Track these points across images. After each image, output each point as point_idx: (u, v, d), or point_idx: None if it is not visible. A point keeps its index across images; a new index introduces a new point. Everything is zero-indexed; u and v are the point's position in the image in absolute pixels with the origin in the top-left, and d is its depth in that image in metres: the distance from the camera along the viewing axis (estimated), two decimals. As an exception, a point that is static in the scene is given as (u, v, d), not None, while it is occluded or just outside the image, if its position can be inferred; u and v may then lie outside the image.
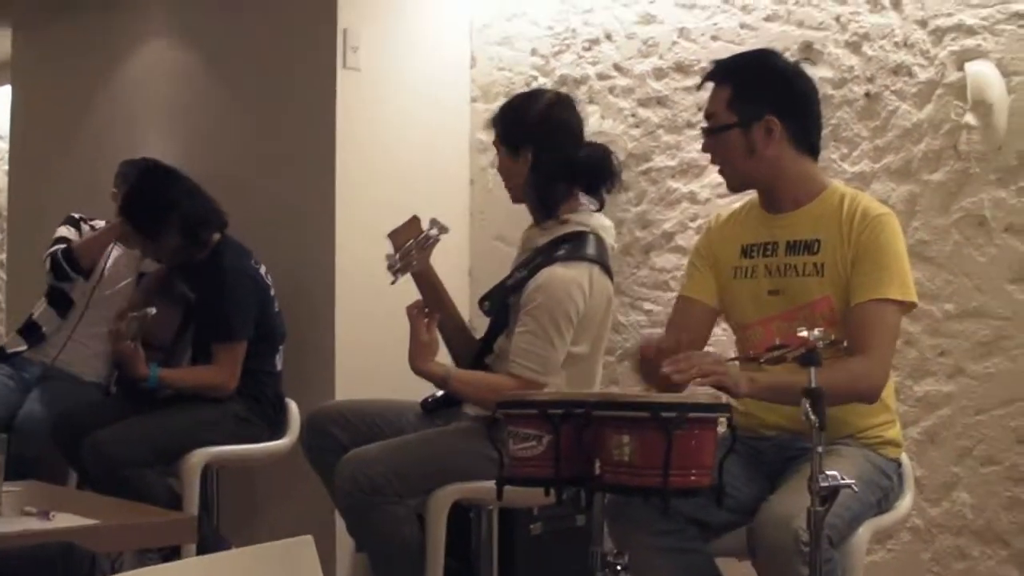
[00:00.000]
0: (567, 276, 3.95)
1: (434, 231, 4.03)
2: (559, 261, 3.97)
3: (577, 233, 4.04)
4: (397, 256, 4.01)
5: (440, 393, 4.18)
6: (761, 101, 3.42)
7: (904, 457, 3.56)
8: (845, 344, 3.14)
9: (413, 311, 3.90)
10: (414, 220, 4.06)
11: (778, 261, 3.45)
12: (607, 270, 4.07)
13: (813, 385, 2.83)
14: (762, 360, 3.15)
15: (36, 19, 7.33)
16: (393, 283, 4.06)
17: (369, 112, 5.49)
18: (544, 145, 4.06)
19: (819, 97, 3.56)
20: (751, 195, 3.62)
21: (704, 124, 3.58)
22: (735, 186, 3.58)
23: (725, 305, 3.59)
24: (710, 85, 3.54)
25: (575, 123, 4.19)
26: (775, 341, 3.01)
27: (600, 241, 4.07)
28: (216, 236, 5.03)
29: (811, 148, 3.49)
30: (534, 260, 4.05)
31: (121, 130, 6.53)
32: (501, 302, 4.10)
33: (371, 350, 5.30)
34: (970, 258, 4.37)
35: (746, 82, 3.47)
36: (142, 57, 6.49)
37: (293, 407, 5.06)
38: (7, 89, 7.83)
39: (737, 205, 3.68)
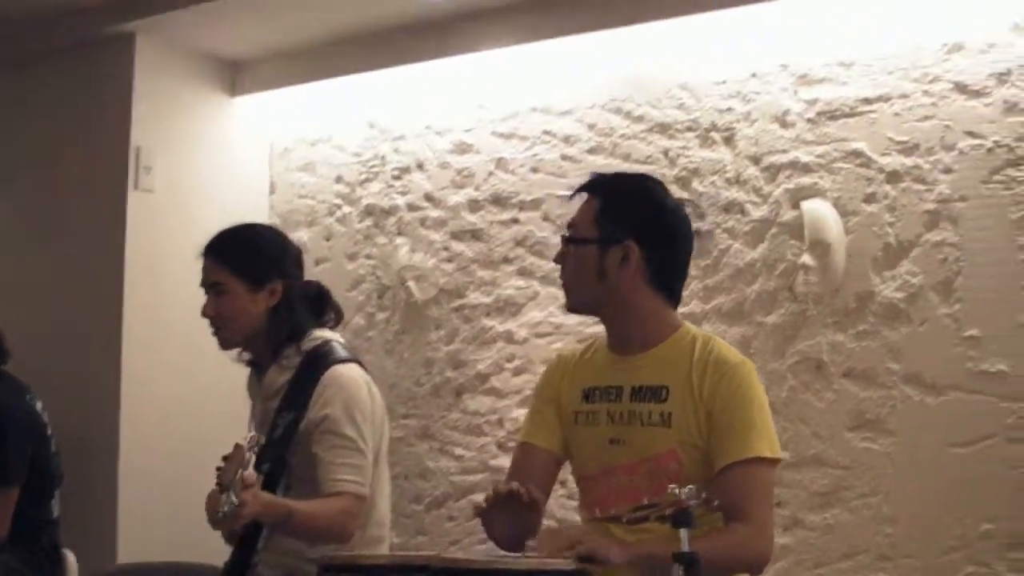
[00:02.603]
0: (346, 374, 3.68)
1: (253, 450, 3.55)
2: (329, 365, 3.67)
3: (320, 345, 3.75)
4: (232, 500, 3.26)
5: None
6: (627, 224, 3.14)
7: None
8: (716, 503, 2.87)
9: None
10: (239, 448, 3.46)
11: (621, 407, 3.15)
12: (367, 372, 3.83)
13: (686, 549, 2.55)
14: (624, 519, 2.85)
15: None
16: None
17: (161, 237, 5.16)
18: (290, 276, 3.81)
19: (692, 244, 3.28)
20: (597, 334, 3.34)
21: (565, 233, 3.27)
22: (574, 305, 3.29)
23: (568, 453, 3.28)
24: (578, 197, 3.27)
25: (301, 254, 3.99)
26: (643, 500, 2.71)
27: (344, 346, 3.82)
28: None
29: (668, 290, 3.21)
30: (293, 397, 3.71)
31: None
32: (279, 458, 3.71)
33: (160, 496, 4.93)
34: (807, 404, 4.19)
35: (616, 201, 3.19)
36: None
37: (71, 559, 4.57)
38: None
39: (580, 345, 3.41)
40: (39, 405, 4.61)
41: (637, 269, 3.12)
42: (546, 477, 3.29)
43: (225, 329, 3.81)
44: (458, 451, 4.94)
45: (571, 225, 3.24)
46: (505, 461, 4.74)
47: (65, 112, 5.38)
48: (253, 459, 3.38)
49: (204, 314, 3.80)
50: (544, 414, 3.31)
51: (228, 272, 3.78)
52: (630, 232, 3.12)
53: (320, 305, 3.86)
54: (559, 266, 3.26)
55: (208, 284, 3.80)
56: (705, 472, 3.02)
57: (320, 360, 3.72)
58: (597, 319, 4.45)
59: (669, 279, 3.19)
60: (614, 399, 3.16)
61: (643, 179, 3.40)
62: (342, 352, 3.76)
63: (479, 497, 4.68)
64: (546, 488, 3.31)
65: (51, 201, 5.38)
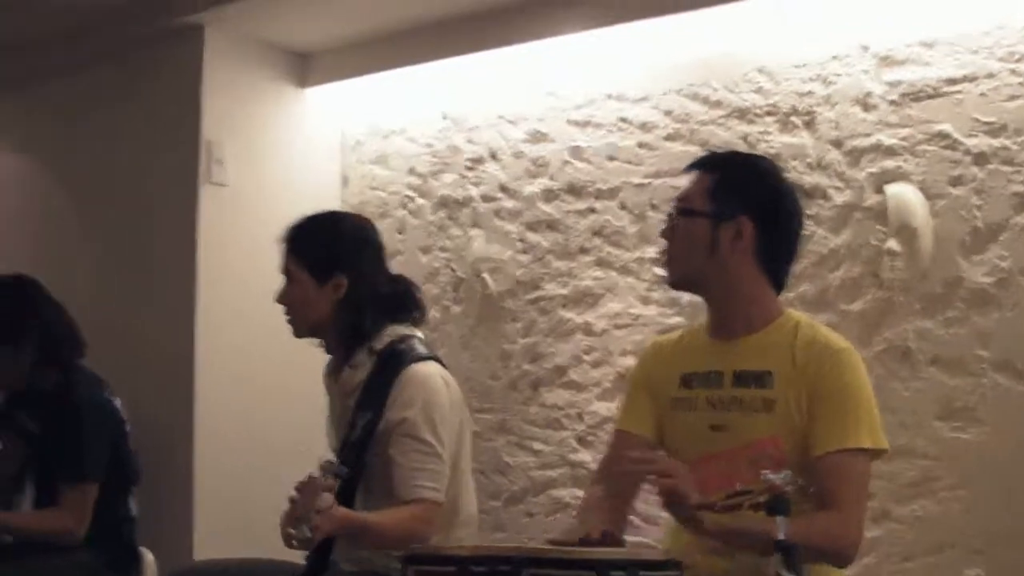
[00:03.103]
0: (423, 372, 3.60)
1: (327, 476, 3.33)
2: (407, 364, 3.60)
3: (396, 341, 3.67)
4: (305, 531, 3.20)
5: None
6: (742, 200, 3.09)
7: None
8: (812, 489, 2.79)
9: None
10: (312, 480, 3.27)
11: (723, 393, 3.08)
12: (446, 369, 3.75)
13: (782, 537, 2.47)
14: (717, 507, 2.78)
15: None
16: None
17: (234, 231, 5.12)
18: (359, 272, 3.72)
19: (802, 229, 3.24)
20: (677, 326, 3.27)
21: (674, 207, 3.22)
22: (678, 280, 3.21)
23: (664, 440, 3.20)
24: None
25: (382, 249, 3.88)
26: (736, 486, 2.63)
27: (423, 342, 3.74)
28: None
29: (775, 275, 3.14)
30: (371, 396, 3.62)
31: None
32: (358, 460, 3.63)
33: (235, 496, 4.89)
34: (894, 393, 4.07)
35: (733, 176, 3.14)
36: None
37: (149, 557, 4.55)
38: None
39: (675, 333, 3.32)
40: (117, 401, 4.58)
41: (748, 246, 3.05)
42: None
43: (292, 318, 3.77)
44: (536, 445, 4.86)
45: (682, 199, 3.16)
46: (585, 455, 4.68)
47: (136, 107, 5.34)
48: (327, 484, 3.29)
49: (276, 300, 3.76)
50: (638, 400, 3.25)
51: (295, 261, 3.74)
52: (744, 208, 3.06)
53: (396, 302, 3.78)
54: (666, 241, 3.19)
55: (282, 271, 3.76)
56: (806, 459, 2.94)
57: (398, 358, 3.64)
58: (677, 310, 4.44)
59: (778, 262, 3.13)
60: (715, 385, 3.09)
61: (759, 158, 3.36)
62: (420, 349, 3.68)
63: (559, 492, 4.66)
64: (639, 476, 3.24)
65: (123, 196, 5.35)
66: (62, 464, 4.39)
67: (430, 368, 3.64)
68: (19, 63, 5.80)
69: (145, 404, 4.84)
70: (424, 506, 3.47)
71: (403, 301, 3.78)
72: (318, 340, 3.82)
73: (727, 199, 3.08)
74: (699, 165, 3.21)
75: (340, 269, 3.70)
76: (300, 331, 3.81)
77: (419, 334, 3.77)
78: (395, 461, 3.52)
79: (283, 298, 3.77)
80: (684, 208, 3.15)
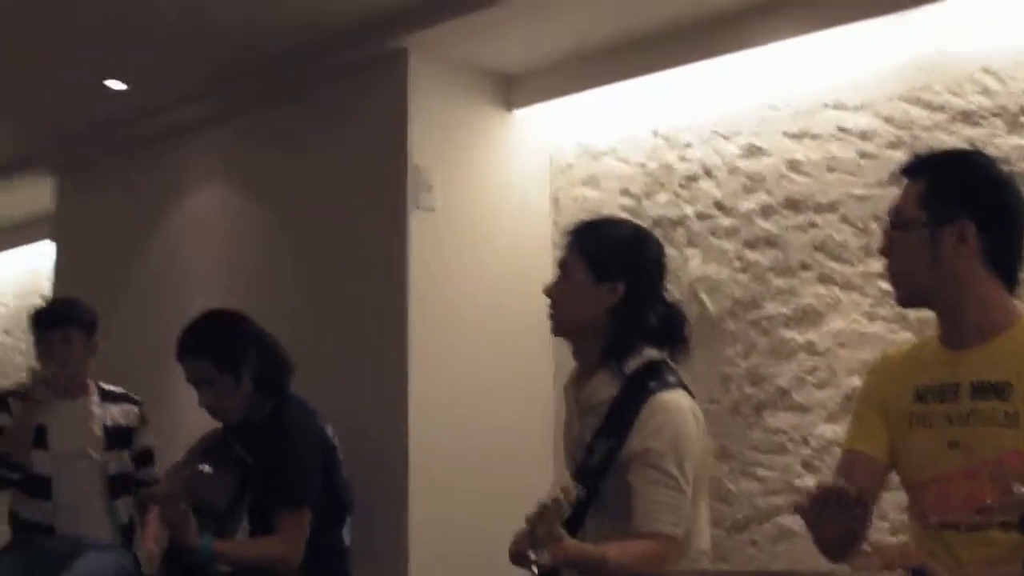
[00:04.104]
0: (674, 404, 3.42)
1: (572, 505, 3.25)
2: (656, 391, 3.43)
3: (649, 364, 3.49)
4: (545, 556, 3.13)
5: None
6: (959, 202, 2.86)
7: None
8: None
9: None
10: (556, 503, 3.16)
11: (960, 407, 2.85)
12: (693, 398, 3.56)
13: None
14: (963, 526, 2.58)
15: (80, 165, 7.02)
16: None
17: (444, 256, 5.08)
18: (639, 284, 3.53)
19: None
20: (905, 342, 3.05)
21: (888, 222, 3.01)
22: (907, 299, 3.01)
23: (897, 459, 3.00)
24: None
25: (665, 272, 3.68)
26: (987, 501, 2.43)
27: (673, 370, 3.54)
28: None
29: (1007, 273, 2.91)
30: (615, 421, 3.47)
31: (171, 284, 6.18)
32: (593, 486, 3.49)
33: (450, 527, 4.83)
34: None
35: (945, 178, 2.91)
36: (194, 204, 6.17)
37: (363, 589, 4.48)
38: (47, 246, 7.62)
39: (905, 346, 3.11)
40: (329, 429, 4.54)
41: (974, 249, 2.84)
42: (873, 487, 3.01)
43: (556, 312, 3.62)
44: (760, 471, 4.67)
45: (894, 211, 2.96)
46: (811, 480, 4.49)
47: (344, 134, 5.35)
48: (569, 513, 3.19)
49: (544, 292, 3.62)
50: (869, 419, 3.04)
51: (577, 255, 3.58)
52: (963, 210, 2.84)
53: (662, 329, 3.59)
54: (886, 259, 2.99)
55: (559, 264, 3.63)
56: None
57: (646, 383, 3.48)
58: (904, 325, 4.22)
59: (1007, 257, 2.89)
60: (951, 398, 2.87)
61: (971, 154, 3.13)
62: (670, 377, 3.52)
63: (784, 520, 4.47)
64: (872, 499, 3.04)
65: (333, 222, 5.36)
66: (275, 490, 4.35)
67: (680, 398, 3.48)
68: (228, 95, 5.87)
69: (358, 432, 4.80)
70: (660, 541, 3.33)
71: (670, 330, 3.62)
72: (571, 344, 3.66)
73: (942, 203, 2.86)
74: (907, 172, 3.00)
75: (622, 274, 3.54)
76: (560, 328, 3.65)
77: (670, 361, 3.61)
78: (636, 491, 3.38)
79: (552, 290, 3.62)
80: (898, 221, 2.95)
